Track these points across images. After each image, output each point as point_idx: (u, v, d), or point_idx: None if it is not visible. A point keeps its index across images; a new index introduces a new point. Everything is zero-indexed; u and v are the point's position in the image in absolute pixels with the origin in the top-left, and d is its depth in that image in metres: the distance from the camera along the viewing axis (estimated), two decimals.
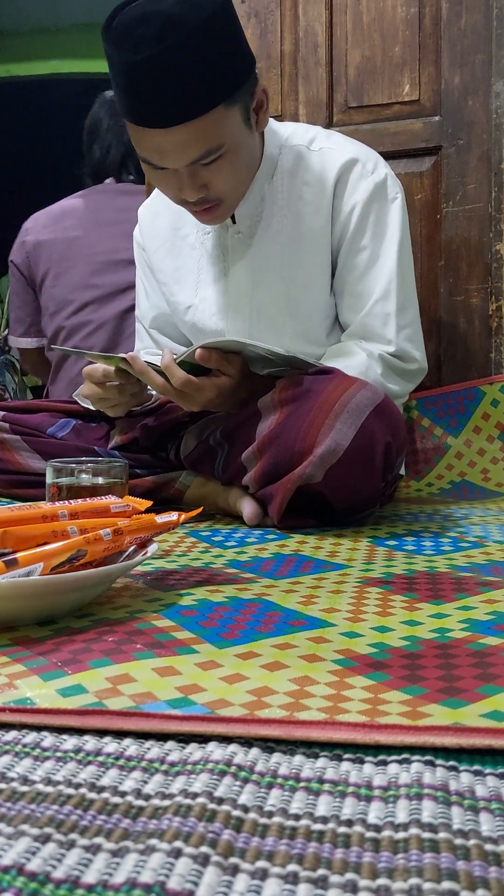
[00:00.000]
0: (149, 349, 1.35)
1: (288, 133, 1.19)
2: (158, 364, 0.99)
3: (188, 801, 0.33)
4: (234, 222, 1.18)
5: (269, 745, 0.39)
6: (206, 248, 1.23)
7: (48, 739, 0.40)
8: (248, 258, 1.19)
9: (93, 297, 1.73)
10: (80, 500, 0.69)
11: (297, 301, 1.19)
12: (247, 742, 0.39)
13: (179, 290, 1.26)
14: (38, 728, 0.41)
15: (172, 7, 0.92)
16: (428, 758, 0.37)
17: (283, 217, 1.17)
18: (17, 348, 2.00)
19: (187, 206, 1.08)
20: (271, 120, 1.19)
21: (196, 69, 0.94)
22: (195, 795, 0.34)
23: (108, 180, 1.82)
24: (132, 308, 1.56)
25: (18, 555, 0.56)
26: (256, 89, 1.05)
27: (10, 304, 1.95)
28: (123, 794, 0.34)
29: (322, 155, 1.16)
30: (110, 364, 1.04)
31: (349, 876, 0.28)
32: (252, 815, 0.33)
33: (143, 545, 0.67)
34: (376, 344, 1.14)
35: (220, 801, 0.33)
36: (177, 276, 1.27)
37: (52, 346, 1.77)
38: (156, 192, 1.32)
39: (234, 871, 0.28)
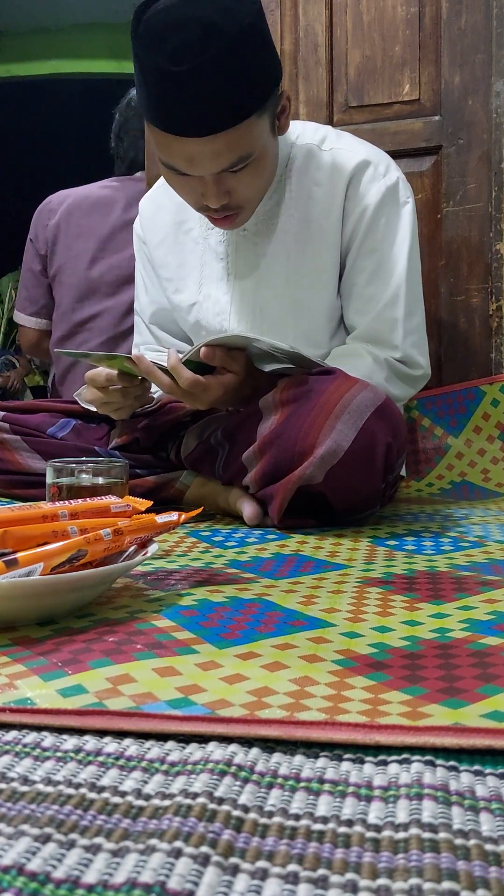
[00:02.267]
0: (148, 344, 1.35)
1: (298, 132, 1.19)
2: (163, 363, 0.99)
3: (188, 801, 0.33)
4: None
5: (270, 745, 0.39)
6: (210, 243, 1.22)
7: (48, 739, 0.40)
8: (253, 257, 1.19)
9: (112, 305, 1.72)
10: (80, 500, 0.69)
11: (301, 302, 1.18)
12: (247, 742, 0.39)
13: (183, 286, 1.26)
14: (39, 728, 0.41)
15: (210, 13, 0.90)
16: (428, 758, 0.37)
17: (290, 216, 1.17)
18: (20, 325, 1.94)
19: (206, 213, 1.07)
20: None
21: (234, 79, 0.93)
22: (195, 795, 0.34)
23: (139, 173, 1.79)
24: None
25: (18, 555, 0.56)
26: (282, 95, 1.05)
27: (22, 279, 1.91)
28: (124, 794, 0.34)
29: (333, 155, 1.16)
30: (114, 364, 1.04)
31: (349, 876, 0.28)
32: (252, 815, 0.33)
33: (143, 545, 0.67)
34: (382, 349, 1.14)
35: (221, 801, 0.33)
36: (180, 273, 1.25)
37: (57, 349, 1.76)
38: (158, 183, 1.31)
39: (235, 871, 0.28)
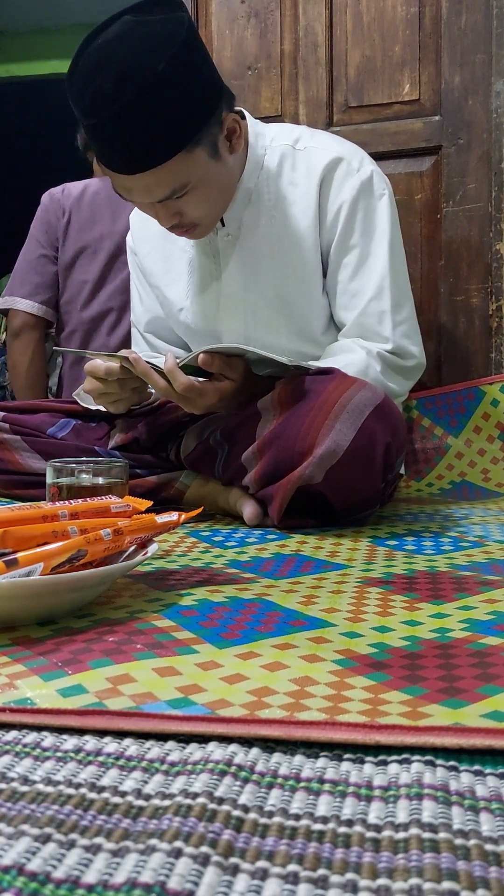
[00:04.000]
0: (144, 353, 1.35)
1: (273, 134, 1.19)
2: (160, 366, 0.99)
3: (188, 801, 0.33)
4: (223, 225, 1.18)
5: (270, 745, 0.39)
6: (197, 250, 1.23)
7: (48, 739, 0.40)
8: (239, 259, 1.19)
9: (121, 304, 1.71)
10: (80, 500, 0.69)
11: (290, 301, 1.19)
12: (247, 742, 0.39)
13: (171, 292, 1.27)
14: (39, 728, 0.41)
15: (128, 58, 0.93)
16: (428, 758, 0.37)
17: (271, 218, 1.17)
18: (13, 310, 1.77)
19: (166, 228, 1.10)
20: (257, 122, 1.19)
21: (152, 123, 0.95)
22: (195, 795, 0.34)
23: None
24: None
25: (19, 555, 0.56)
26: (226, 118, 1.05)
27: (27, 265, 1.78)
28: (124, 794, 0.34)
29: (307, 154, 1.17)
30: (113, 362, 1.04)
31: (349, 876, 0.28)
32: (252, 815, 0.33)
33: (143, 545, 0.67)
34: (373, 342, 1.14)
35: (221, 801, 0.33)
36: (168, 279, 1.27)
37: (56, 348, 1.74)
38: None
39: (235, 871, 0.28)
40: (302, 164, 1.16)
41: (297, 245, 1.17)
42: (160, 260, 1.28)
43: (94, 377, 1.08)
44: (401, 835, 0.31)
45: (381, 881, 0.28)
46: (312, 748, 0.39)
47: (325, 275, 1.19)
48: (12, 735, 0.40)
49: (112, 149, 0.97)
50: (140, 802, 0.34)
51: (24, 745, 0.39)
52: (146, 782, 0.35)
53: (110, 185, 1.74)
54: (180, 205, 1.04)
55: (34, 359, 1.81)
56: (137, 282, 1.35)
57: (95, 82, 0.94)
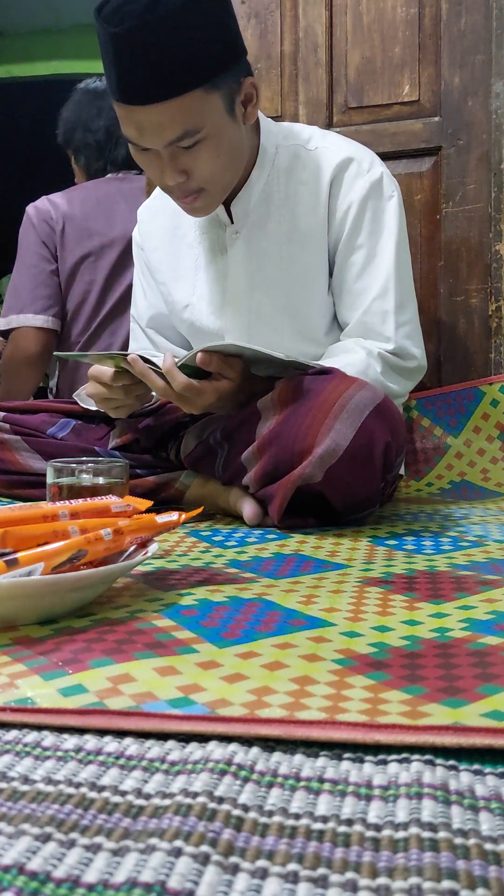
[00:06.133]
0: (145, 349, 1.35)
1: (284, 132, 1.20)
2: (159, 366, 0.99)
3: (188, 800, 0.33)
4: (231, 222, 1.18)
5: (270, 744, 0.39)
6: (204, 247, 1.23)
7: (49, 739, 0.40)
8: (245, 257, 1.20)
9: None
10: (80, 500, 0.69)
11: (295, 300, 1.19)
12: (247, 741, 0.39)
13: (177, 288, 1.27)
14: (39, 727, 0.41)
15: None
16: (428, 757, 0.37)
17: (280, 216, 1.18)
18: (24, 327, 1.70)
19: (172, 196, 1.09)
20: (268, 119, 1.19)
21: (176, 48, 0.94)
22: (195, 795, 0.34)
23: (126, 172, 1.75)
24: None
25: (19, 554, 0.56)
26: (245, 81, 1.05)
27: (30, 278, 1.72)
28: (124, 794, 0.34)
29: (318, 154, 1.17)
30: (111, 364, 1.04)
31: (349, 875, 0.28)
32: (252, 815, 0.33)
33: (143, 545, 0.67)
34: (375, 342, 1.14)
35: (221, 800, 0.33)
36: (174, 276, 1.27)
37: (55, 353, 1.74)
38: (155, 192, 1.32)
39: (235, 870, 0.29)
40: (312, 164, 1.17)
41: (304, 244, 1.17)
42: (167, 256, 1.27)
43: (98, 382, 1.08)
44: (400, 834, 0.31)
45: (381, 880, 0.28)
46: (312, 747, 0.39)
47: (331, 274, 1.19)
48: (13, 734, 0.40)
49: (133, 69, 0.95)
50: (140, 802, 0.34)
51: (25, 745, 0.39)
52: (146, 781, 0.35)
53: (97, 190, 1.76)
54: (189, 160, 1.03)
55: (35, 386, 1.78)
56: (142, 277, 1.34)
57: (129, 6, 0.93)
